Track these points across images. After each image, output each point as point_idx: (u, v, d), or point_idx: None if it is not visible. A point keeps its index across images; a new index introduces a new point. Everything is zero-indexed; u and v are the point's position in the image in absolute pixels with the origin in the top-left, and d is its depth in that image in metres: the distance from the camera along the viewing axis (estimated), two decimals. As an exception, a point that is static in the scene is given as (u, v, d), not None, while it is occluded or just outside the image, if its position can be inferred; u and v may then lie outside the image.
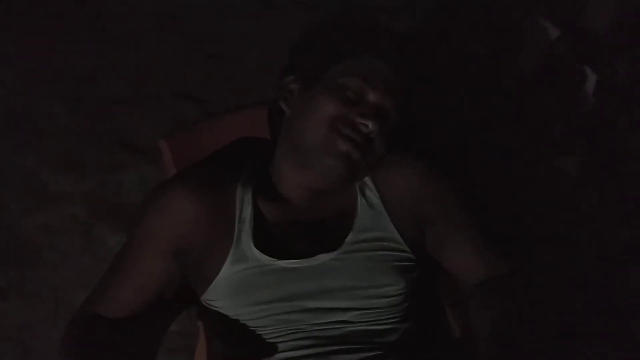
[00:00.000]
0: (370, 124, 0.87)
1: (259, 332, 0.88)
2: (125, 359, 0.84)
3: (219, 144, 1.03)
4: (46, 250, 1.56)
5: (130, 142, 1.72)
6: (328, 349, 0.87)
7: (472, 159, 1.50)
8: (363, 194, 0.93)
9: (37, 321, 1.45)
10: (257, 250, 0.87)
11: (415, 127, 1.01)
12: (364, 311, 0.89)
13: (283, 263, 0.87)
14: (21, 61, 1.87)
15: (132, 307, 0.89)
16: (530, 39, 1.55)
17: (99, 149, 1.70)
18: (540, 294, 0.99)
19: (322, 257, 0.88)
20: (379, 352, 0.88)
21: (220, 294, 0.88)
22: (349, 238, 0.90)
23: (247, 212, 0.89)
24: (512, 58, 1.57)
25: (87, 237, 1.58)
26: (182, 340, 1.34)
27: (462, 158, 1.46)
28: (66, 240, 1.57)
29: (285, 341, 0.88)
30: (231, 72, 1.81)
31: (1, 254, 1.55)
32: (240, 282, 0.87)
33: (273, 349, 0.88)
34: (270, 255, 0.87)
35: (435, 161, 0.97)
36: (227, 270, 0.87)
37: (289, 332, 0.88)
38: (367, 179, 0.94)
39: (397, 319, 0.91)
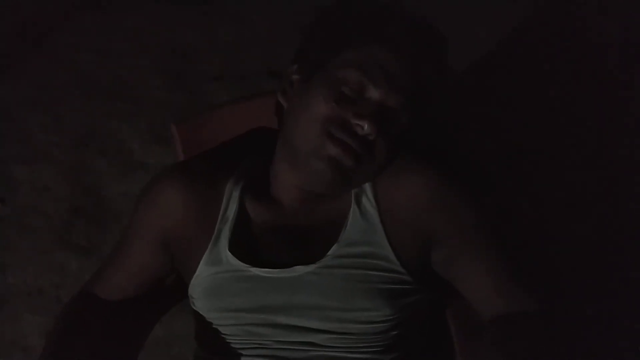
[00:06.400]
0: (366, 126, 0.76)
1: (227, 340, 0.83)
2: (109, 343, 0.84)
3: (233, 133, 0.98)
4: (125, 216, 1.65)
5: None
6: None
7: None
8: (358, 202, 0.82)
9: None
10: (230, 255, 0.81)
11: (435, 130, 0.87)
12: (337, 335, 0.80)
13: (257, 271, 0.81)
14: (130, 35, 1.99)
15: (125, 291, 0.89)
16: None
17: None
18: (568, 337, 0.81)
19: (299, 269, 0.80)
20: None
21: (197, 294, 0.84)
22: (331, 251, 0.80)
23: (232, 210, 0.84)
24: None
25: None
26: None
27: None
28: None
29: (250, 355, 0.82)
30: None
31: (89, 216, 1.66)
32: (213, 286, 0.82)
33: None
34: (245, 261, 0.81)
35: (454, 171, 0.83)
36: (202, 270, 0.83)
37: (254, 345, 0.82)
38: (367, 185, 0.83)
39: (377, 349, 0.81)
